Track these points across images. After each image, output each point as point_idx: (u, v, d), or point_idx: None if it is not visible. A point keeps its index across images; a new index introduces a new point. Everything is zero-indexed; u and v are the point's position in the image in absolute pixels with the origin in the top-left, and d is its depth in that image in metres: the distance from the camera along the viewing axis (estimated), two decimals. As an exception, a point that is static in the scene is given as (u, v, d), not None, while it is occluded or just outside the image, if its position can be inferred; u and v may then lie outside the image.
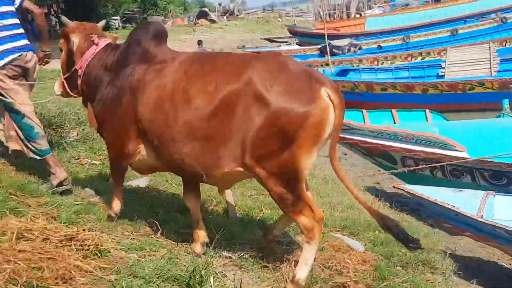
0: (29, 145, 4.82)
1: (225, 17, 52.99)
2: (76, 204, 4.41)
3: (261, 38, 37.64)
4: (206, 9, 54.58)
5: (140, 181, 5.42)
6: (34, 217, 3.92)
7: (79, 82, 4.22)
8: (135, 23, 47.12)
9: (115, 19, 42.55)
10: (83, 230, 3.77)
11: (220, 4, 61.44)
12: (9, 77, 4.72)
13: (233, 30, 40.91)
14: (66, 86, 4.33)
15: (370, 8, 40.88)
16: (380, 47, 24.05)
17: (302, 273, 3.41)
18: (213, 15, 50.04)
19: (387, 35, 27.99)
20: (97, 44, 4.21)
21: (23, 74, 4.85)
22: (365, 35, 29.65)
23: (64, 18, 4.47)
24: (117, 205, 4.22)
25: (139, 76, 3.77)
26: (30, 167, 5.26)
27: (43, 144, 4.86)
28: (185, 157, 3.53)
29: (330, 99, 3.28)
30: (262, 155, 3.30)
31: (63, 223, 3.94)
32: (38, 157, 4.86)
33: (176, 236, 4.14)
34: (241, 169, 3.41)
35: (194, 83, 3.49)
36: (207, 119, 3.38)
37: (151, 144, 3.72)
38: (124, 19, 46.24)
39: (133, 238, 3.93)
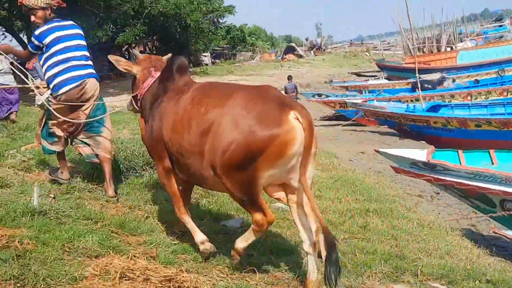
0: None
1: (312, 51, 53.44)
2: (174, 244, 4.56)
3: (349, 73, 37.60)
4: (293, 44, 55.36)
5: (234, 221, 5.52)
6: (135, 256, 4.10)
7: (139, 104, 5.00)
8: (224, 59, 48.63)
9: (205, 55, 43.99)
10: (181, 271, 3.89)
11: (307, 39, 62.14)
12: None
13: (320, 64, 41.14)
14: (134, 103, 5.09)
15: (461, 41, 39.74)
16: (477, 81, 23.31)
17: (241, 243, 4.10)
18: (300, 50, 50.65)
19: (480, 69, 27.13)
20: (153, 76, 4.92)
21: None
22: (457, 69, 28.88)
23: (134, 51, 5.63)
24: (199, 236, 4.51)
25: (164, 103, 4.49)
26: (129, 204, 5.51)
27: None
28: (191, 167, 4.18)
29: (299, 122, 3.68)
30: (230, 167, 3.78)
31: (162, 263, 4.08)
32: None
33: (271, 279, 4.17)
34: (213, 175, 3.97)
35: (194, 108, 4.11)
36: (200, 137, 3.99)
37: (172, 159, 4.41)
38: (214, 55, 47.70)
39: (229, 281, 3.99)
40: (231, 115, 3.81)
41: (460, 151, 7.65)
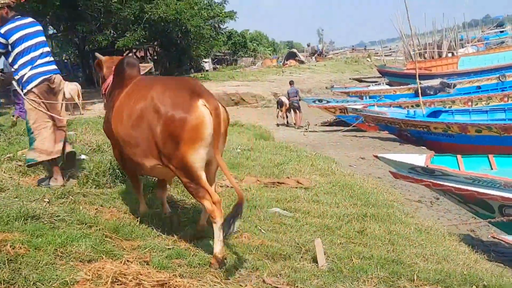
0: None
1: (313, 57, 53.46)
2: (168, 249, 4.52)
3: (350, 78, 37.59)
4: (295, 50, 55.37)
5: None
6: (128, 261, 4.05)
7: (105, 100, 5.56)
8: (225, 64, 48.68)
9: (206, 61, 44.06)
10: (175, 276, 3.85)
11: (308, 45, 62.16)
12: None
13: (322, 70, 41.13)
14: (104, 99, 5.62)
15: (462, 47, 39.73)
16: (479, 87, 23.30)
17: (217, 248, 4.24)
18: (301, 56, 50.67)
19: (481, 75, 27.13)
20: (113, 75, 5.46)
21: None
22: (458, 74, 28.90)
23: (96, 54, 5.90)
24: (142, 207, 5.33)
25: (114, 97, 5.02)
26: (124, 209, 5.47)
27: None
28: (132, 156, 4.69)
29: (207, 108, 4.17)
30: (167, 154, 4.28)
31: (155, 267, 4.04)
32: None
33: (266, 284, 4.12)
34: (161, 165, 4.44)
35: (126, 101, 4.68)
36: (132, 128, 4.52)
37: (120, 147, 4.92)
38: (215, 60, 47.77)
39: (223, 286, 3.95)
40: (152, 105, 4.30)
41: (459, 156, 7.61)
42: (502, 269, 5.56)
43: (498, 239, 6.24)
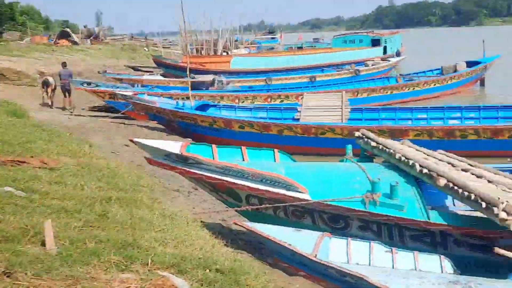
0: None
1: (88, 40, 51.30)
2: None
3: (125, 66, 36.78)
4: (68, 29, 52.37)
5: None
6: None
7: None
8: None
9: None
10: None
11: (85, 26, 59.55)
12: None
13: (96, 54, 39.59)
14: None
15: (237, 48, 41.83)
16: (251, 87, 24.84)
17: None
18: (75, 37, 48.15)
19: (251, 76, 28.78)
20: None
21: None
22: (230, 73, 30.22)
23: None
24: None
25: None
26: None
27: None
28: None
29: None
30: None
31: None
32: None
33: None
34: None
35: None
36: None
37: None
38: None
39: None
40: None
41: (214, 146, 7.68)
42: (237, 254, 5.71)
43: (239, 225, 6.44)
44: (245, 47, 43.90)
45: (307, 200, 6.76)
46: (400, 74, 25.40)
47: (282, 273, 6.27)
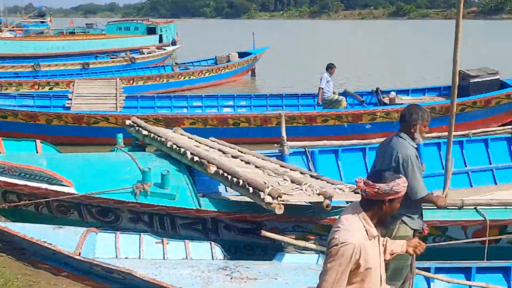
0: None
1: None
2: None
3: None
4: None
5: None
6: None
7: None
8: None
9: None
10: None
11: None
12: None
13: None
14: None
15: (0, 31, 38.19)
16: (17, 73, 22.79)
17: None
18: None
19: (17, 61, 26.53)
20: None
21: None
22: (-6, 58, 27.56)
23: None
24: None
25: None
26: None
27: None
28: None
29: None
30: None
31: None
32: None
33: None
34: None
35: None
36: None
37: None
38: None
39: None
40: None
41: (-38, 137, 6.71)
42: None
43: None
44: (10, 30, 40.23)
45: (72, 194, 6.22)
46: (176, 63, 25.47)
47: (48, 274, 5.74)
